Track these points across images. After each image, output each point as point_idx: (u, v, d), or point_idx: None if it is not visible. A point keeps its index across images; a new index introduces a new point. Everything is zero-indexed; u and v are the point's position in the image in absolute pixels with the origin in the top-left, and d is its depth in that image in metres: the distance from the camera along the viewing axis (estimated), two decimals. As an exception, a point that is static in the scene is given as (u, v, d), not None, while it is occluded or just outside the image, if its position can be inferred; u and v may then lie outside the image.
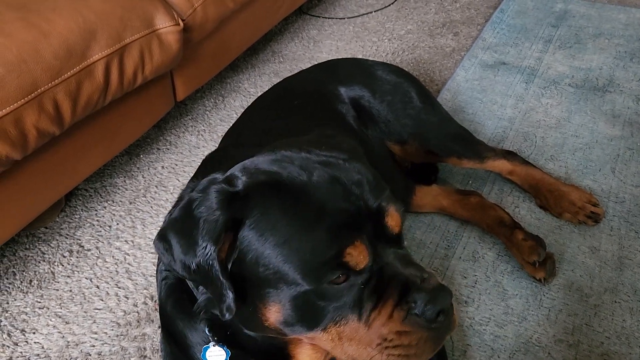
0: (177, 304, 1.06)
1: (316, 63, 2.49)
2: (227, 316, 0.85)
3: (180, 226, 0.87)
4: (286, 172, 0.87)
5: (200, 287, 0.95)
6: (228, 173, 0.91)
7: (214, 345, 1.00)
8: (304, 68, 2.46)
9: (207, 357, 1.01)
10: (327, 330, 0.87)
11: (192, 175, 1.94)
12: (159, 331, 1.43)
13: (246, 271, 0.86)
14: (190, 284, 1.00)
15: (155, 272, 1.61)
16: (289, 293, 0.83)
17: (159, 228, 0.92)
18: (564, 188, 1.69)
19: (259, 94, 2.34)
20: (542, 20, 2.72)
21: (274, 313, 0.86)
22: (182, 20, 1.66)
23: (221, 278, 0.83)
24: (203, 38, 1.85)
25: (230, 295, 0.84)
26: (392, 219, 0.89)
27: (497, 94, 2.24)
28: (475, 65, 2.41)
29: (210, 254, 0.82)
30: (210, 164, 1.34)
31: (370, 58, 2.52)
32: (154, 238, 0.91)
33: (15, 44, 1.24)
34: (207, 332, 0.99)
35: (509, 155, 1.77)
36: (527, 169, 1.75)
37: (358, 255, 0.83)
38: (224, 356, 1.01)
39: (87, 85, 1.39)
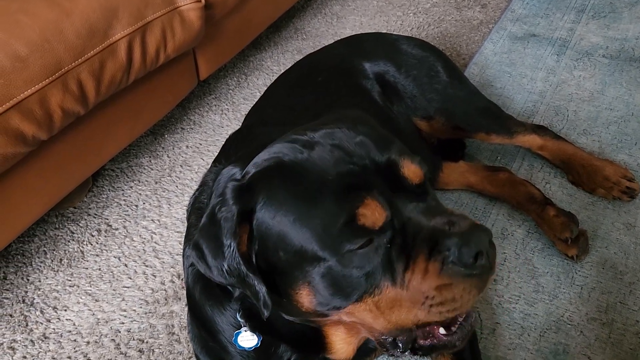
0: (205, 291, 1.06)
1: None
2: (266, 313, 0.85)
3: (207, 231, 0.88)
4: (287, 154, 0.85)
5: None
6: (245, 170, 0.90)
7: (245, 331, 1.00)
8: (328, 44, 2.44)
9: (238, 341, 1.01)
10: (363, 300, 0.82)
11: (216, 154, 1.95)
12: (186, 309, 1.45)
13: (270, 261, 0.85)
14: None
15: (182, 251, 1.62)
16: (315, 272, 0.81)
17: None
18: (597, 163, 1.63)
19: (282, 71, 2.32)
20: (575, -10, 2.61)
21: (306, 297, 0.84)
22: (204, -4, 1.64)
23: (248, 272, 0.83)
24: (225, 15, 1.82)
25: (262, 289, 0.83)
26: (408, 170, 0.84)
27: (526, 67, 2.17)
28: (504, 38, 2.34)
29: (234, 249, 0.83)
30: (234, 144, 1.34)
31: (395, 33, 2.47)
32: (188, 252, 0.92)
33: (39, 23, 1.24)
34: (238, 317, 0.99)
35: (540, 129, 1.72)
36: (558, 143, 1.70)
37: (372, 214, 0.78)
38: (255, 341, 1.01)
39: (110, 64, 1.38)
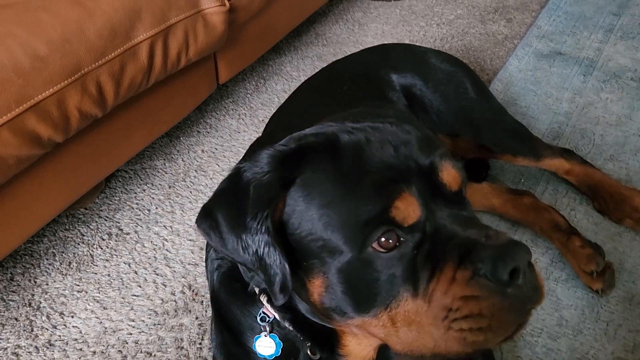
0: (230, 291, 1.03)
1: (361, 47, 2.41)
2: (282, 299, 0.78)
3: (227, 198, 0.81)
4: (339, 133, 0.80)
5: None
6: (282, 143, 0.84)
7: (265, 336, 0.97)
8: (349, 52, 2.40)
9: (256, 347, 0.98)
10: (378, 315, 0.76)
11: (233, 161, 1.91)
12: (197, 322, 1.40)
13: (291, 240, 0.79)
14: (241, 268, 0.96)
15: (194, 260, 1.58)
16: (332, 265, 0.76)
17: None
18: (625, 192, 1.58)
19: (302, 77, 2.28)
20: (603, 8, 2.56)
21: (317, 288, 0.79)
22: (228, 0, 1.60)
23: (274, 246, 0.76)
24: (248, 19, 1.78)
25: (286, 269, 0.76)
26: (448, 175, 0.78)
27: (552, 87, 2.11)
28: (530, 55, 2.29)
29: (262, 220, 0.75)
30: (258, 150, 1.29)
31: (418, 44, 2.43)
32: (195, 219, 0.84)
33: (60, 22, 1.20)
34: (259, 321, 0.96)
35: (567, 153, 1.67)
36: (585, 169, 1.65)
37: (406, 208, 0.73)
38: (274, 348, 0.97)
39: (131, 66, 1.34)
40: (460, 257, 0.72)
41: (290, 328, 0.94)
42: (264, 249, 0.76)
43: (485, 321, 0.70)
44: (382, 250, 0.74)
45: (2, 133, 1.09)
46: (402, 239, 0.74)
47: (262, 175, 0.77)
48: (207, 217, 0.82)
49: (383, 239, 0.73)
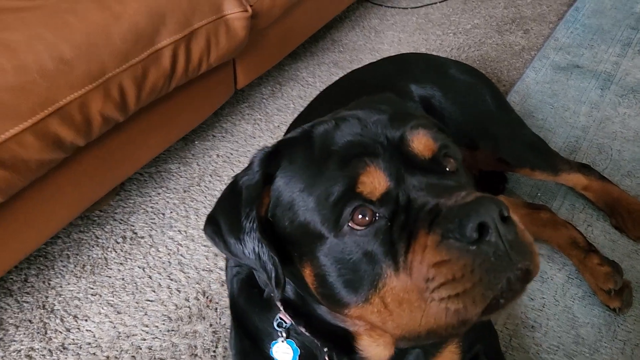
0: (250, 298, 1.04)
1: (378, 55, 2.41)
2: (277, 294, 0.81)
3: (226, 202, 0.86)
4: (314, 127, 0.84)
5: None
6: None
7: (282, 342, 0.97)
8: (365, 59, 2.39)
9: (273, 353, 0.98)
10: (370, 300, 0.74)
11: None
12: (210, 330, 1.40)
13: (280, 233, 0.82)
14: (256, 274, 0.95)
15: (207, 267, 1.57)
16: (316, 250, 0.76)
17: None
18: (644, 209, 1.57)
19: (317, 84, 2.27)
20: (621, 22, 2.55)
21: (310, 277, 0.80)
22: (250, 6, 1.59)
23: (261, 240, 0.79)
24: (268, 25, 1.78)
25: (274, 261, 0.79)
26: (419, 143, 0.78)
27: (569, 100, 2.10)
28: (547, 67, 2.28)
29: (252, 218, 0.79)
30: None
31: (434, 53, 2.42)
32: (203, 226, 0.89)
33: (86, 25, 1.20)
34: (275, 326, 0.96)
35: (585, 168, 1.65)
36: (603, 185, 1.64)
37: (371, 181, 0.73)
38: (291, 355, 0.97)
39: (154, 71, 1.34)
40: (431, 222, 0.69)
41: (306, 333, 0.94)
42: (257, 245, 0.79)
43: (460, 286, 0.66)
44: (358, 228, 0.73)
45: (25, 137, 1.09)
46: (377, 214, 0.73)
47: (252, 176, 0.82)
48: (211, 223, 0.86)
49: (359, 216, 0.73)
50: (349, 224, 0.73)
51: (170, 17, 1.35)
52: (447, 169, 0.80)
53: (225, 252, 0.86)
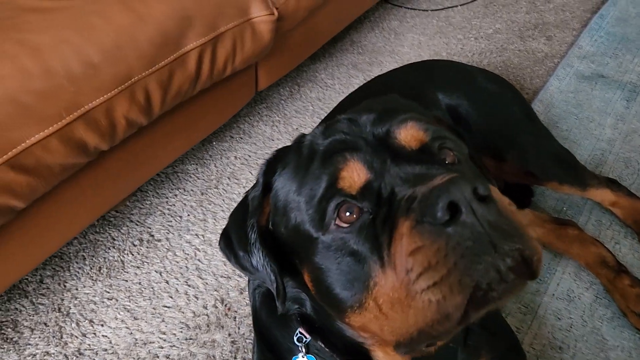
0: (272, 312, 1.01)
1: (397, 57, 2.37)
2: (279, 304, 0.81)
3: (236, 216, 0.86)
4: (310, 133, 0.83)
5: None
6: None
7: (302, 357, 0.95)
8: (384, 61, 2.35)
9: None
10: (365, 305, 0.69)
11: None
12: (229, 339, 1.37)
13: (281, 239, 0.82)
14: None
15: (226, 273, 1.54)
16: (310, 252, 0.74)
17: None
18: (674, 228, 1.53)
19: (336, 86, 2.24)
20: (646, 31, 2.50)
21: (309, 284, 0.79)
22: (276, 8, 1.55)
23: (260, 246, 0.79)
24: (292, 28, 1.74)
25: (274, 268, 0.79)
26: (406, 134, 0.75)
27: (594, 111, 2.06)
28: (571, 76, 2.23)
29: (255, 226, 0.80)
30: None
31: (455, 57, 2.38)
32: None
33: (113, 28, 1.16)
34: (295, 341, 0.94)
35: (613, 184, 1.62)
36: (632, 201, 1.60)
37: (351, 175, 0.71)
38: None
39: (179, 75, 1.31)
40: (407, 209, 0.65)
41: (326, 348, 0.91)
42: (262, 256, 0.79)
43: (436, 273, 0.60)
44: (344, 225, 0.70)
45: (51, 142, 1.06)
46: (364, 209, 0.71)
47: (256, 188, 0.84)
48: (224, 236, 0.87)
49: (346, 213, 0.70)
50: (336, 222, 0.71)
51: (197, 20, 1.31)
52: (446, 162, 0.76)
53: (236, 266, 0.86)
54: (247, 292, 1.50)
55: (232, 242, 0.84)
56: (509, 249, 0.60)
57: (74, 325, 1.43)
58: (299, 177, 0.77)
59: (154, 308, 1.47)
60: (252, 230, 0.80)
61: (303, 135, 0.84)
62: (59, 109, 1.05)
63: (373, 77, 2.06)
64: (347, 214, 0.70)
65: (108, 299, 1.49)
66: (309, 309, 0.89)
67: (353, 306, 0.71)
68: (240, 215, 0.84)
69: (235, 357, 1.36)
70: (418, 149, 0.74)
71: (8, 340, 1.38)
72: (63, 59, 1.07)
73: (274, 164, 0.83)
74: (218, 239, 1.62)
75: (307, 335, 0.93)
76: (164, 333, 1.41)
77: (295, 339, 0.95)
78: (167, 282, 1.53)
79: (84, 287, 1.51)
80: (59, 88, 1.05)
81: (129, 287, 1.51)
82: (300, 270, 0.80)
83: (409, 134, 0.75)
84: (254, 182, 0.87)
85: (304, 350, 0.95)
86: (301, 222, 0.74)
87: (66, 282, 1.52)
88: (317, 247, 0.73)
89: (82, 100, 1.10)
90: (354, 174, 0.71)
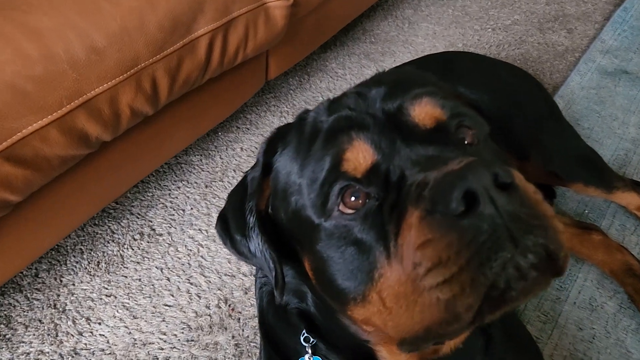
0: (278, 312, 0.94)
1: (411, 47, 2.28)
2: (278, 294, 0.75)
3: (234, 198, 0.81)
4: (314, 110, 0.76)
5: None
6: None
7: (309, 358, 0.88)
8: (398, 51, 2.26)
9: None
10: (368, 298, 0.63)
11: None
12: (233, 342, 1.29)
13: (281, 225, 0.75)
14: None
15: (230, 271, 1.47)
16: (311, 240, 0.68)
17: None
18: (703, 236, 1.46)
19: (347, 76, 2.15)
20: (670, 26, 2.41)
21: (310, 273, 0.73)
22: (291, -7, 1.46)
23: (259, 232, 0.72)
24: (306, 14, 1.65)
25: (273, 256, 0.72)
26: (420, 111, 0.67)
27: (617, 108, 1.98)
28: (593, 71, 2.15)
29: (254, 210, 0.73)
30: None
31: (471, 49, 2.29)
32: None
33: (121, 11, 1.07)
34: (302, 341, 0.87)
35: (639, 187, 1.54)
36: (660, 207, 1.52)
37: (356, 157, 0.63)
38: None
39: (188, 62, 1.22)
40: (418, 197, 0.58)
41: (330, 348, 0.85)
42: (260, 241, 0.73)
43: (447, 270, 0.54)
44: (348, 211, 0.63)
45: (50, 131, 0.98)
46: (371, 194, 0.63)
47: (256, 168, 0.77)
48: (221, 219, 0.81)
49: (351, 198, 0.63)
50: (339, 208, 0.64)
51: (209, 4, 1.23)
52: (465, 142, 0.68)
53: (232, 250, 0.80)
54: (252, 292, 1.43)
55: (229, 225, 0.79)
56: (532, 244, 0.53)
57: (70, 322, 1.35)
58: (301, 157, 0.70)
59: (154, 307, 1.39)
60: (250, 213, 0.74)
61: (306, 111, 0.77)
62: (59, 97, 0.97)
63: (385, 67, 1.98)
64: (353, 199, 0.63)
65: (106, 295, 1.42)
66: (311, 303, 0.83)
67: (356, 298, 0.65)
68: (239, 196, 0.78)
69: (240, 362, 1.29)
70: (433, 128, 0.67)
71: (1, 338, 1.31)
72: (66, 44, 0.99)
73: (275, 142, 0.77)
74: (223, 234, 1.55)
75: (313, 336, 0.87)
76: (164, 333, 1.34)
77: (302, 339, 0.88)
78: (168, 279, 1.46)
79: (81, 282, 1.44)
80: (61, 74, 0.97)
81: (129, 284, 1.44)
82: (301, 259, 0.74)
83: (423, 111, 0.67)
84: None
85: (310, 351, 0.88)
86: (302, 207, 0.68)
87: (62, 277, 1.45)
88: (318, 234, 0.66)
89: (84, 87, 1.01)
90: (360, 155, 0.64)
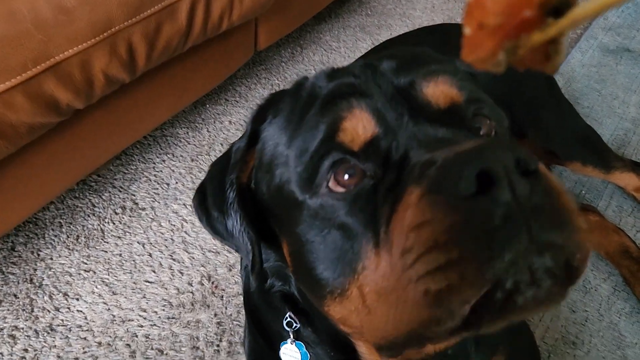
0: (263, 293, 0.88)
1: (408, 20, 2.21)
2: (254, 280, 0.71)
3: (216, 170, 0.74)
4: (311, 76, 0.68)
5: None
6: None
7: (290, 343, 0.83)
8: (394, 25, 2.19)
9: (281, 355, 0.85)
10: (347, 292, 0.56)
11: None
12: (215, 320, 1.26)
13: (262, 201, 0.68)
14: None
15: (215, 247, 1.42)
16: (291, 220, 0.61)
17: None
18: (702, 219, 1.41)
19: (341, 49, 2.08)
20: (675, 3, 2.33)
21: (287, 256, 0.66)
22: (281, -44, 1.39)
23: (237, 207, 0.65)
24: (297, -20, 1.58)
25: (250, 234, 0.66)
26: (435, 89, 0.59)
27: (618, 87, 1.92)
28: (594, 49, 2.08)
29: (234, 182, 0.66)
30: None
31: (470, 23, 2.21)
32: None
33: (92, -32, 1.00)
34: (284, 325, 0.82)
35: (639, 167, 1.49)
36: (658, 188, 1.47)
37: (354, 127, 0.56)
38: (299, 358, 0.84)
39: (168, 27, 1.15)
40: (419, 177, 0.50)
41: (313, 334, 0.81)
42: (238, 218, 0.66)
43: (442, 255, 0.45)
44: (339, 190, 0.56)
45: (14, 96, 0.92)
46: (367, 172, 0.56)
47: (243, 138, 0.70)
48: (199, 192, 0.75)
49: (344, 176, 0.55)
50: (328, 185, 0.56)
51: (190, -36, 1.16)
52: (481, 132, 0.61)
53: (207, 228, 0.73)
54: (236, 269, 1.39)
55: (206, 199, 0.72)
56: (552, 245, 0.45)
57: (46, 298, 1.31)
58: (292, 126, 0.62)
59: (134, 283, 1.35)
60: (231, 187, 0.67)
61: (305, 78, 0.69)
62: (23, 59, 0.91)
63: (381, 41, 1.92)
64: (347, 176, 0.56)
65: (85, 270, 1.37)
66: (294, 287, 0.77)
67: (333, 292, 0.58)
68: (220, 167, 0.72)
69: (220, 340, 1.25)
70: (446, 109, 0.59)
71: (-26, 312, 1.27)
72: (31, 3, 0.92)
73: (266, 109, 0.69)
74: (207, 210, 1.50)
75: (297, 321, 0.82)
76: (145, 310, 1.30)
77: (284, 323, 0.83)
78: (150, 254, 1.41)
79: (59, 257, 1.39)
80: (25, 34, 0.91)
81: (109, 259, 1.39)
82: (280, 242, 0.68)
83: (438, 89, 0.60)
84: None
85: (292, 336, 0.83)
86: (286, 180, 0.60)
87: (40, 251, 1.40)
88: (301, 213, 0.59)
89: (52, 50, 0.95)
90: (359, 125, 0.56)
